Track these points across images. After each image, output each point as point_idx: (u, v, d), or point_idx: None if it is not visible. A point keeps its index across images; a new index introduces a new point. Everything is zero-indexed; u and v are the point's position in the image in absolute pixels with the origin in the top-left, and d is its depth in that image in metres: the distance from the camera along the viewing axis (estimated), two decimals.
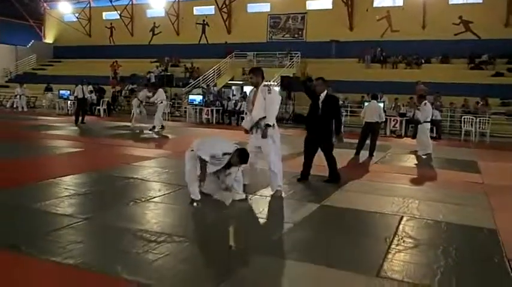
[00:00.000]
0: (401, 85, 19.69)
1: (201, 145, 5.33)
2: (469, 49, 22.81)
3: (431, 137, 15.79)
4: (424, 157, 10.85)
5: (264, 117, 6.02)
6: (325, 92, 7.05)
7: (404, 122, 16.80)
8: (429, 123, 11.41)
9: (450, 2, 24.67)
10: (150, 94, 15.97)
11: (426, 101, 11.34)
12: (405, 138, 15.73)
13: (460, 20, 24.06)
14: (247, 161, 5.53)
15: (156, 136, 13.58)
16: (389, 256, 4.02)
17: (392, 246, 4.27)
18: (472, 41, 23.45)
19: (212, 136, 5.90)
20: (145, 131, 14.63)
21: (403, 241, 4.42)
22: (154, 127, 14.72)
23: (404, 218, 5.22)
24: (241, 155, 5.36)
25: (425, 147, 11.12)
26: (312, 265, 3.76)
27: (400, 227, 4.90)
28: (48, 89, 26.94)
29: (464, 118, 16.69)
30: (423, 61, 23.84)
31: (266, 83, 6.24)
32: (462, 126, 16.62)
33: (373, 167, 9.17)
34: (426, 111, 11.14)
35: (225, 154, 5.31)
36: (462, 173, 8.81)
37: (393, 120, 16.89)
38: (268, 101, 6.00)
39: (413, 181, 7.86)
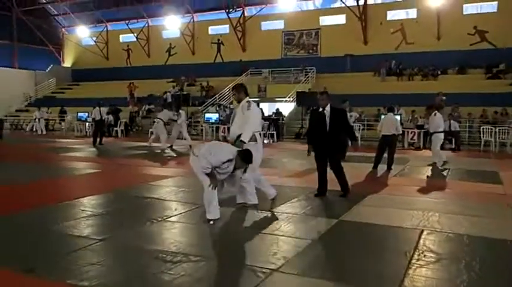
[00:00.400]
0: (418, 97, 19.52)
1: (205, 154, 5.30)
2: (486, 59, 22.59)
3: (451, 149, 15.65)
4: (441, 167, 10.69)
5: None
6: (329, 105, 6.95)
7: (422, 134, 16.60)
8: (442, 134, 11.27)
9: (464, 13, 24.54)
10: (175, 117, 15.62)
11: (436, 112, 11.26)
12: (424, 150, 15.50)
13: (475, 30, 23.89)
14: (252, 161, 5.49)
15: (175, 155, 13.67)
16: (411, 271, 3.91)
17: (413, 261, 4.15)
18: (489, 51, 23.21)
19: (215, 144, 5.88)
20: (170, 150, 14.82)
21: (424, 256, 4.30)
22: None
23: (425, 232, 5.09)
24: (244, 157, 5.37)
25: (439, 157, 10.99)
26: (331, 283, 3.67)
27: (421, 241, 4.78)
28: (63, 112, 27.50)
29: (483, 128, 16.40)
30: (439, 72, 23.65)
31: (248, 99, 6.18)
32: (481, 137, 16.33)
33: (392, 181, 9.03)
34: (435, 122, 11.06)
35: (227, 161, 5.31)
36: (483, 184, 8.62)
37: (411, 133, 16.70)
38: (245, 117, 5.94)
39: (433, 194, 7.70)
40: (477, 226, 5.44)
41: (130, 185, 8.09)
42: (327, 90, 7.71)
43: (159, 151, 14.58)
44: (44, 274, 3.79)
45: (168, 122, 15.89)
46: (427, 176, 9.70)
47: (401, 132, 11.71)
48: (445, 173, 10.17)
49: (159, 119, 15.57)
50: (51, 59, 37.33)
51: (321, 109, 6.98)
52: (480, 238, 4.93)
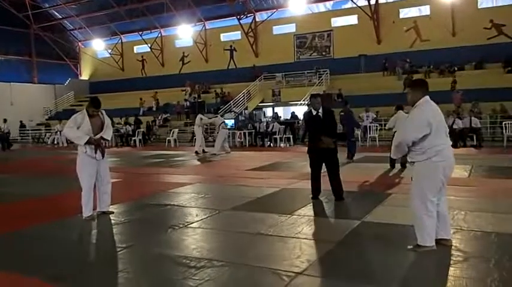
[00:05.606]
0: (436, 94, 19.09)
1: None
2: (504, 52, 22.16)
3: (472, 146, 15.37)
4: None
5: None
6: (321, 107, 6.83)
7: None
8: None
9: (479, 6, 24.16)
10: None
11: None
12: None
13: (491, 24, 23.49)
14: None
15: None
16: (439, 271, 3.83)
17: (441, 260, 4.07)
18: (506, 44, 22.79)
19: None
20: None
21: (452, 255, 4.21)
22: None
23: (451, 231, 4.98)
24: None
25: None
26: (356, 285, 3.62)
27: None
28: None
29: (505, 124, 16.07)
30: (456, 69, 23.28)
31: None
32: (504, 133, 16.00)
33: None
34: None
35: None
36: (508, 180, 8.41)
37: None
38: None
39: (457, 192, 7.51)
40: (505, 223, 5.30)
41: (150, 193, 8.12)
42: (318, 93, 7.54)
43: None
44: (73, 282, 3.83)
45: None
46: (459, 175, 9.46)
47: None
48: (470, 171, 9.96)
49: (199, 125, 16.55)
50: (69, 73, 38.06)
51: (314, 112, 6.88)
52: (509, 236, 4.79)
